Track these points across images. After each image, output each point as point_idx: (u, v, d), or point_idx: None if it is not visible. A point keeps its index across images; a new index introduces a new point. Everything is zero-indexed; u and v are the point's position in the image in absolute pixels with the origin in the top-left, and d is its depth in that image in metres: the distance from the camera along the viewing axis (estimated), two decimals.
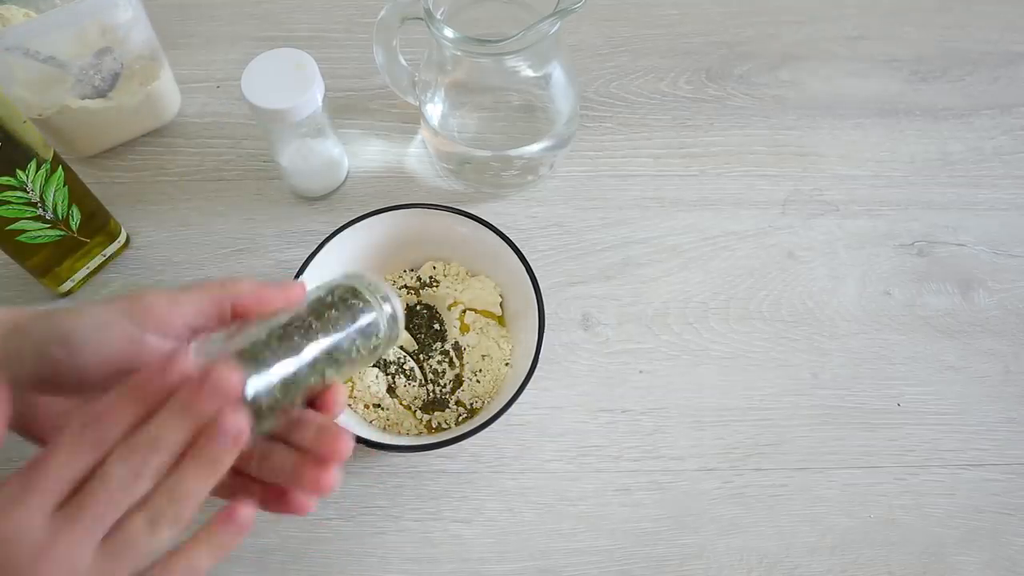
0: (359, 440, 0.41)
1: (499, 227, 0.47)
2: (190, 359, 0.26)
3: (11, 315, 0.30)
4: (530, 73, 0.51)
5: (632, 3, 0.68)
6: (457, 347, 0.48)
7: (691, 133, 0.60)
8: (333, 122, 0.54)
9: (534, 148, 0.53)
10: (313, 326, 0.30)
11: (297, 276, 0.45)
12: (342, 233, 0.47)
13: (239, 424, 0.25)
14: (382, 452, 0.47)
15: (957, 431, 0.49)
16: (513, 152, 0.53)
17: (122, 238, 0.54)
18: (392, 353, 0.48)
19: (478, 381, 0.47)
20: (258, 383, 0.27)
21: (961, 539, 0.46)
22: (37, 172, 0.45)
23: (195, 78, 0.63)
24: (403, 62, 0.53)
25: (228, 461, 0.26)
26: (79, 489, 0.25)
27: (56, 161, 0.46)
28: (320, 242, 0.46)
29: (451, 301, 0.50)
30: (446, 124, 0.55)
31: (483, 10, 0.51)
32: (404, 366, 0.48)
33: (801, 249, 0.55)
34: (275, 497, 0.30)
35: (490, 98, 0.56)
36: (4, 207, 0.45)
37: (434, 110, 0.54)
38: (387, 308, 0.32)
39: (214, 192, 0.57)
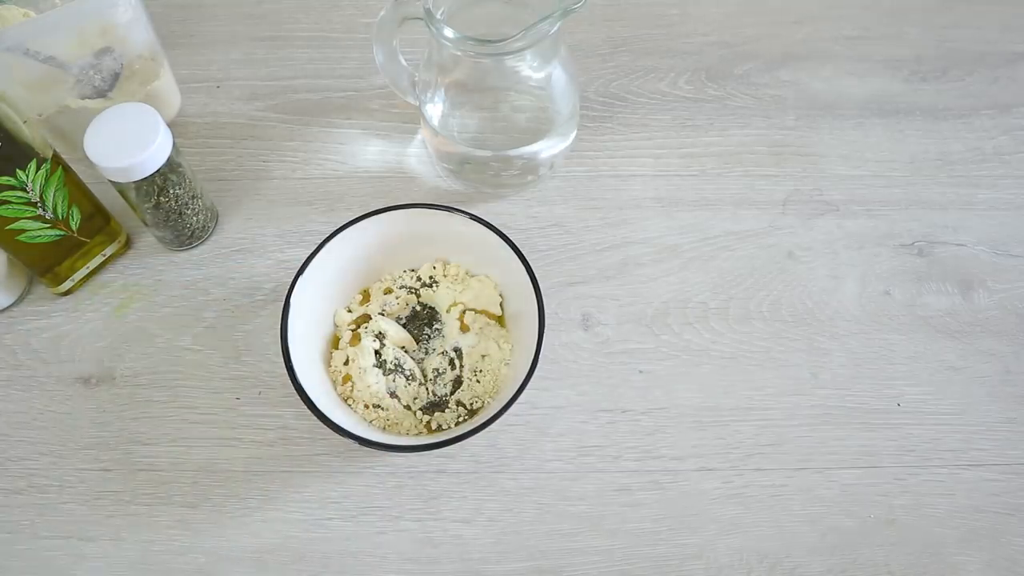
0: (359, 440, 0.41)
1: (499, 227, 0.47)
2: None
3: None
4: (530, 73, 0.51)
5: (632, 3, 0.68)
6: (457, 347, 0.48)
7: (691, 133, 0.60)
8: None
9: (534, 148, 0.53)
10: None
11: (297, 276, 0.45)
12: (342, 233, 0.47)
13: None
14: (382, 452, 0.47)
15: (957, 431, 0.49)
16: (513, 152, 0.53)
17: (122, 238, 0.54)
18: (392, 353, 0.48)
19: (478, 381, 0.47)
20: None
21: (961, 539, 0.46)
22: (37, 172, 0.45)
23: (195, 78, 0.63)
24: (403, 62, 0.53)
25: None
26: None
27: (56, 161, 0.46)
28: (320, 242, 0.46)
29: (451, 301, 0.50)
30: (446, 124, 0.55)
31: (483, 10, 0.51)
32: (404, 366, 0.48)
33: (801, 249, 0.55)
34: None
35: (490, 98, 0.56)
36: (4, 207, 0.45)
37: (434, 110, 0.54)
38: None
39: (214, 192, 0.57)
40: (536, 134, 0.53)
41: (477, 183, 0.57)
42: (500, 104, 0.56)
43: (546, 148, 0.54)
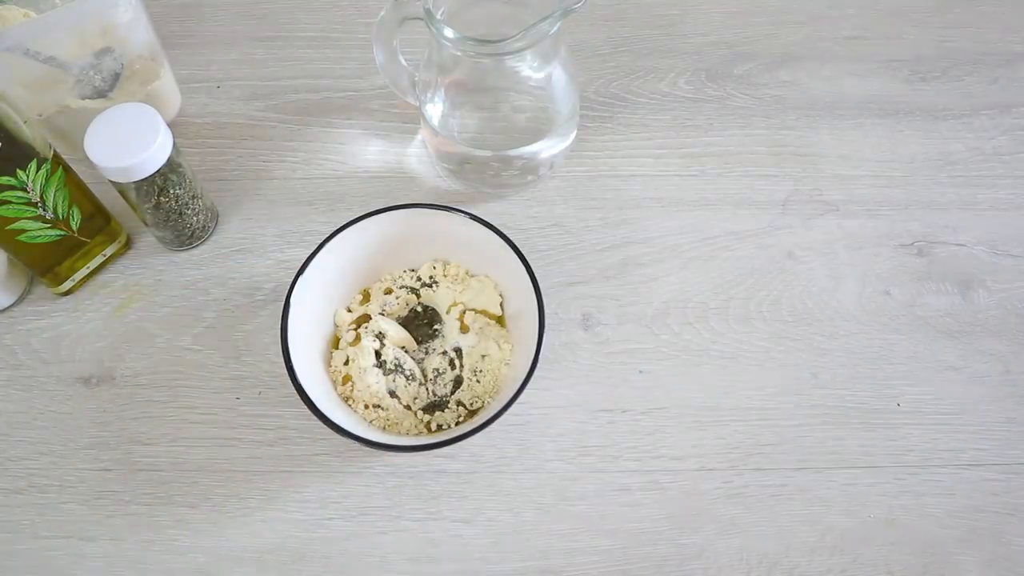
0: (359, 440, 0.41)
1: (499, 227, 0.47)
2: None
3: None
4: (530, 73, 0.51)
5: (632, 3, 0.68)
6: (457, 347, 0.48)
7: (691, 133, 0.60)
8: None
9: (534, 148, 0.53)
10: None
11: (297, 276, 0.45)
12: (342, 233, 0.47)
13: None
14: (382, 452, 0.47)
15: (957, 431, 0.49)
16: (513, 152, 0.53)
17: (122, 238, 0.54)
18: (392, 353, 0.48)
19: (478, 381, 0.47)
20: None
21: (961, 539, 0.46)
22: (38, 172, 0.45)
23: (195, 78, 0.63)
24: (403, 62, 0.53)
25: None
26: None
27: (56, 161, 0.46)
28: (320, 242, 0.46)
29: (451, 301, 0.50)
30: (446, 124, 0.55)
31: (483, 10, 0.51)
32: (404, 366, 0.48)
33: (801, 249, 0.55)
34: None
35: (490, 98, 0.56)
36: (4, 207, 0.45)
37: (434, 110, 0.54)
38: None
39: (214, 192, 0.57)
40: (536, 134, 0.53)
41: (477, 183, 0.57)
42: (500, 104, 0.56)
43: (546, 148, 0.54)
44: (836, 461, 0.48)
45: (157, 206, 0.49)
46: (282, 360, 0.43)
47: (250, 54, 0.65)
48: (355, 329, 0.49)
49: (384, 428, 0.46)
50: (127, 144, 0.45)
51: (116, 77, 0.54)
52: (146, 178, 0.46)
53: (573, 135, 0.56)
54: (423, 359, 0.49)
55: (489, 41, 0.45)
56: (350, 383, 0.47)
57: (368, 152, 0.59)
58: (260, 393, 0.50)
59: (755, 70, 0.64)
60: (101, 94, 0.54)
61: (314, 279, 0.46)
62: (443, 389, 0.48)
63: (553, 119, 0.54)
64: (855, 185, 0.58)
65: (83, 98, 0.53)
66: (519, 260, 0.46)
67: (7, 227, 0.46)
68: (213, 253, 0.55)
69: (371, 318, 0.49)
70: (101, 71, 0.53)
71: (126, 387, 0.50)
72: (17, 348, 0.51)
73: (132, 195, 0.48)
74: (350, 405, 0.46)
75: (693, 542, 0.46)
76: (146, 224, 0.52)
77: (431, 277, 0.51)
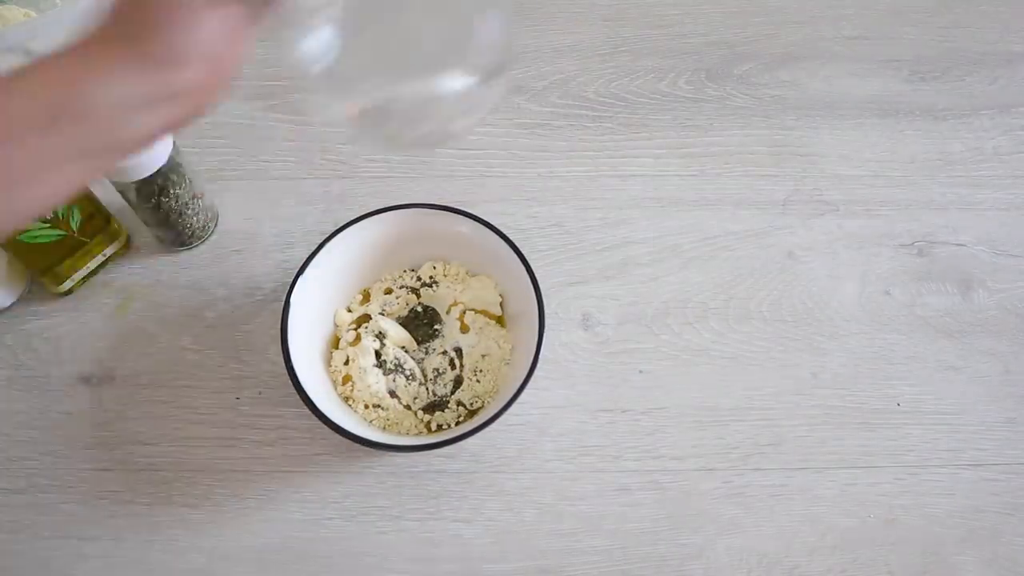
0: (359, 440, 0.41)
1: (499, 227, 0.47)
2: None
3: None
4: None
5: (632, 3, 0.68)
6: (457, 347, 0.48)
7: (691, 133, 0.60)
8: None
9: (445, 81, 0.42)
10: None
11: (297, 276, 0.45)
12: (342, 233, 0.47)
13: None
14: (382, 452, 0.47)
15: (957, 431, 0.49)
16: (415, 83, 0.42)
17: (122, 238, 0.54)
18: (392, 353, 0.48)
19: (478, 381, 0.47)
20: None
21: (961, 539, 0.46)
22: None
23: None
24: None
25: None
26: None
27: None
28: (320, 242, 0.46)
29: (451, 301, 0.50)
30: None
31: None
32: (404, 366, 0.48)
33: (801, 249, 0.55)
34: None
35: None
36: None
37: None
38: None
39: (214, 192, 0.57)
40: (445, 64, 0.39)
41: (409, 142, 0.44)
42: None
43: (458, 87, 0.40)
44: (836, 461, 0.48)
45: (157, 206, 0.49)
46: (282, 360, 0.43)
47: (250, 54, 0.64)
48: (355, 329, 0.49)
49: (384, 428, 0.46)
50: None
51: None
52: (146, 178, 0.46)
53: (500, 85, 0.41)
54: (423, 359, 0.49)
55: None
56: (350, 383, 0.47)
57: (368, 152, 0.59)
58: (260, 393, 0.50)
59: (755, 70, 0.64)
60: None
61: (314, 279, 0.46)
62: (443, 389, 0.48)
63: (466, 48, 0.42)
64: (855, 185, 0.58)
65: None
66: (519, 260, 0.46)
67: None
68: (213, 253, 0.55)
69: (371, 318, 0.49)
70: None
71: (126, 387, 0.50)
72: (17, 348, 0.51)
73: (132, 195, 0.48)
74: (350, 405, 0.46)
75: (693, 542, 0.46)
76: (146, 224, 0.52)
77: (431, 277, 0.51)
